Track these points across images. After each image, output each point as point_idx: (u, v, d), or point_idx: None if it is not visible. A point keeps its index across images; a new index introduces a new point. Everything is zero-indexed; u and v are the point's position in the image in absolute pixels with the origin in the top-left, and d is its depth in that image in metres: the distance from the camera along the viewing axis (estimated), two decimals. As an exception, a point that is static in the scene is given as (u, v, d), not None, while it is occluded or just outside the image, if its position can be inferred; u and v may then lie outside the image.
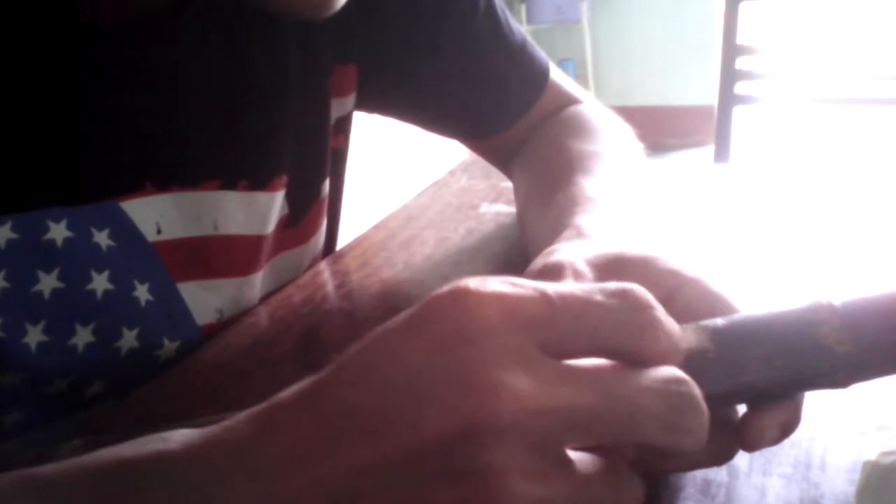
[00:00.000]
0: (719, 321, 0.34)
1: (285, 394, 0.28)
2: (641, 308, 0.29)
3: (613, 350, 0.29)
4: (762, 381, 0.32)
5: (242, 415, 0.29)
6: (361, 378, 0.27)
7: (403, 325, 0.28)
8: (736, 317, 0.34)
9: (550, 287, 0.28)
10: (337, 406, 0.27)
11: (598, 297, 0.28)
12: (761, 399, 0.34)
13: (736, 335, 0.33)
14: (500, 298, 0.27)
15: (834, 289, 0.34)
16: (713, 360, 0.32)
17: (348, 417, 0.27)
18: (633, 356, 0.29)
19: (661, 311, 0.29)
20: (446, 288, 0.28)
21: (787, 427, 0.34)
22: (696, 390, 0.29)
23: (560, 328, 0.28)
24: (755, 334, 0.33)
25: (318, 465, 0.26)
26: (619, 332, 0.29)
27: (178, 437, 0.29)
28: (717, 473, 0.38)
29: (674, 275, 0.38)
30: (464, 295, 0.27)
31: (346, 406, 0.27)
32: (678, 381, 0.28)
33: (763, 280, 0.57)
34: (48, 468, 0.30)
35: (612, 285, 0.29)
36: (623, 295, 0.29)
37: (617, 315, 0.28)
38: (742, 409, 0.35)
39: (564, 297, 0.28)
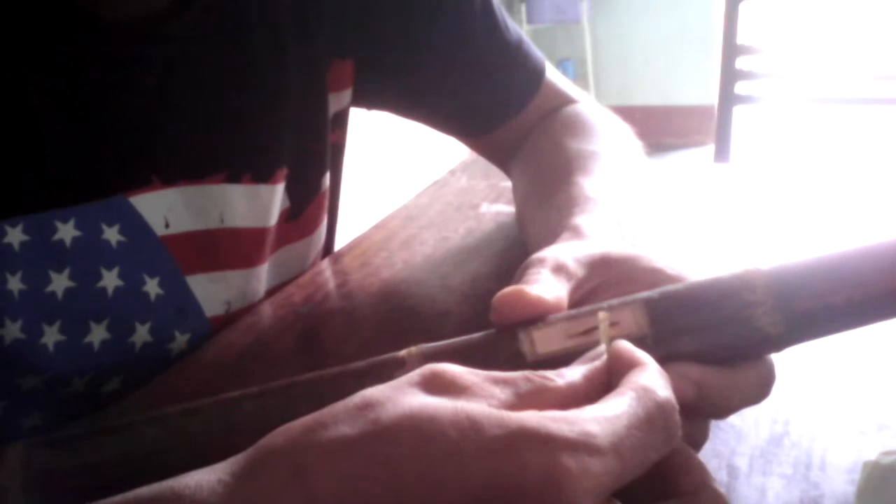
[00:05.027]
0: (655, 294, 0.34)
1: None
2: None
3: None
4: (694, 355, 0.33)
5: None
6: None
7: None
8: (671, 289, 0.35)
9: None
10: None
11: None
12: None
13: (670, 310, 0.34)
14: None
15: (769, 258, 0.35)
16: (651, 346, 0.33)
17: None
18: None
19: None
20: None
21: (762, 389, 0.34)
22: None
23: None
24: (688, 310, 0.34)
25: None
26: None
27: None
28: (717, 473, 0.38)
29: (655, 272, 0.38)
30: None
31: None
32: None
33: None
34: None
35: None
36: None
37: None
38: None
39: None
